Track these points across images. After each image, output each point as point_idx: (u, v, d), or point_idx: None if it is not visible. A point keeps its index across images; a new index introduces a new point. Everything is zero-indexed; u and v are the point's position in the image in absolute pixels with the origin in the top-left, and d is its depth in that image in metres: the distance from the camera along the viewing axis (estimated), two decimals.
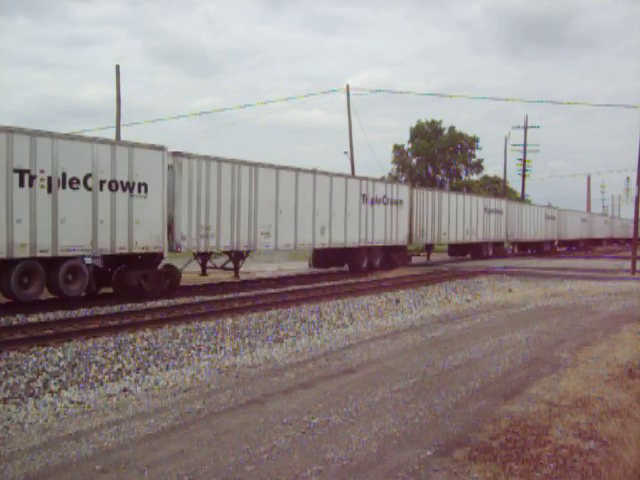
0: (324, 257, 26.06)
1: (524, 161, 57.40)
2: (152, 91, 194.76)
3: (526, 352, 9.99)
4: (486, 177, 77.86)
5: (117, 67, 32.81)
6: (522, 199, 56.58)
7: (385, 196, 27.02)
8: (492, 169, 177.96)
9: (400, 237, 28.08)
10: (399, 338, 11.35)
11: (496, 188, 68.97)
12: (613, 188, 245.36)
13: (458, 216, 33.78)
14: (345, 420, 6.47)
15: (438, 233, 31.87)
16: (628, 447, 5.34)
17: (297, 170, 22.03)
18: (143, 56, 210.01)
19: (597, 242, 67.27)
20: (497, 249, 40.33)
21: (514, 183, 74.23)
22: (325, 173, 23.79)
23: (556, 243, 54.12)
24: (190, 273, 20.12)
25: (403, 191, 28.69)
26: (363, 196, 25.55)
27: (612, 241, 75.89)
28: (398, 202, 27.93)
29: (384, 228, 26.84)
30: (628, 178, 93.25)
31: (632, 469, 4.91)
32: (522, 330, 12.04)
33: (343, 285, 20.48)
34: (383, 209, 26.84)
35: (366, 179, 26.45)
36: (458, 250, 38.56)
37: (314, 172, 23.21)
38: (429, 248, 33.97)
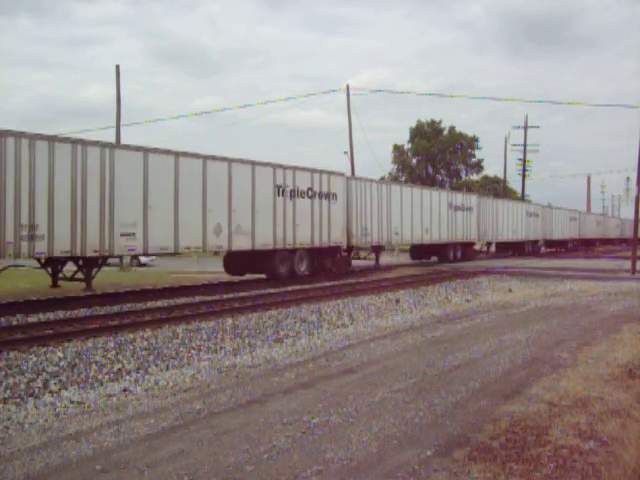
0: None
1: (524, 161, 57.46)
2: (153, 91, 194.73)
3: (526, 352, 9.99)
4: (486, 177, 78.02)
5: (117, 67, 32.85)
6: (522, 199, 56.59)
7: (310, 188, 22.74)
8: (492, 169, 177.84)
9: (334, 237, 23.86)
10: (399, 338, 11.35)
11: (496, 188, 69.04)
12: (613, 188, 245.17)
13: (414, 213, 29.70)
14: (345, 420, 6.47)
15: (388, 233, 27.79)
16: (628, 447, 5.33)
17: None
18: (144, 56, 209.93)
19: (589, 242, 62.02)
20: (467, 250, 35.68)
21: (514, 183, 74.40)
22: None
23: (541, 243, 49.52)
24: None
25: (336, 182, 24.18)
26: (278, 188, 21.20)
27: (606, 242, 71.11)
28: (330, 196, 23.65)
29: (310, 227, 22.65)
30: (628, 178, 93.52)
31: (632, 469, 4.90)
32: (522, 330, 12.03)
33: (343, 285, 20.48)
34: (309, 204, 22.60)
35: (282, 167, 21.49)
36: (422, 252, 34.35)
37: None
38: (377, 250, 29.38)
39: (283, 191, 21.42)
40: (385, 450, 5.61)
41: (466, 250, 35.78)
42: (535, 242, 47.23)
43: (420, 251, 34.38)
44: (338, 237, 24.08)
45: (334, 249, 24.34)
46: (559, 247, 54.45)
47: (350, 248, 26.16)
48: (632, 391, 7.48)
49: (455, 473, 5.06)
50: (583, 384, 7.84)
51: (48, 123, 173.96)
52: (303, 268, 22.68)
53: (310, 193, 22.66)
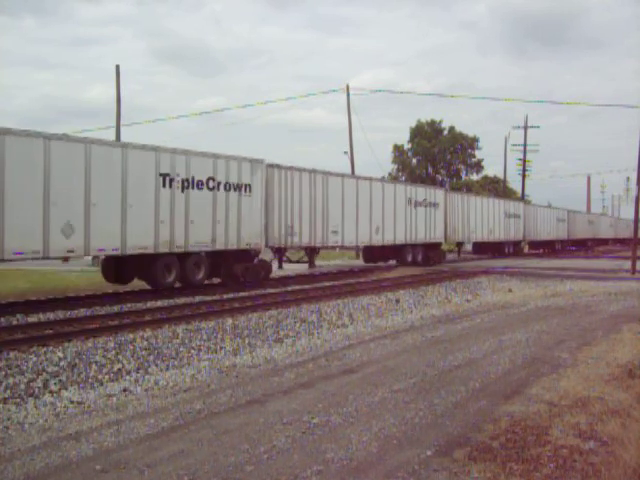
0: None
1: (524, 161, 57.40)
2: (155, 91, 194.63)
3: (526, 352, 9.99)
4: (486, 177, 77.90)
5: (117, 67, 32.82)
6: (522, 199, 56.63)
7: (425, 199, 31.06)
8: (492, 169, 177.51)
9: (437, 236, 32.21)
10: (399, 338, 11.35)
11: (496, 188, 68.98)
12: (613, 188, 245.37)
13: (484, 217, 37.62)
14: (345, 420, 6.47)
15: (468, 232, 35.88)
16: (628, 447, 5.34)
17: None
18: (147, 56, 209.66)
19: (603, 242, 70.71)
20: (516, 248, 43.74)
21: (514, 183, 74.38)
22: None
23: (564, 243, 56.77)
24: None
25: (439, 194, 32.90)
26: (408, 199, 29.76)
27: (617, 241, 78.98)
28: (435, 204, 31.95)
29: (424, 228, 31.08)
30: (628, 178, 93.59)
31: (632, 469, 4.91)
32: (522, 330, 12.03)
33: (343, 285, 20.48)
34: (423, 211, 30.99)
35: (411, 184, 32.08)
36: (481, 249, 41.79)
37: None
38: (460, 245, 37.77)
39: (411, 201, 29.95)
40: (385, 450, 5.61)
41: (515, 247, 44.51)
42: (562, 241, 55.71)
43: (481, 248, 42.16)
44: (439, 236, 32.73)
45: (435, 244, 32.67)
46: (579, 245, 61.42)
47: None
48: (632, 391, 7.49)
49: (455, 473, 5.06)
50: (583, 384, 7.85)
51: (50, 123, 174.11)
52: (420, 258, 30.88)
53: (424, 203, 31.08)
